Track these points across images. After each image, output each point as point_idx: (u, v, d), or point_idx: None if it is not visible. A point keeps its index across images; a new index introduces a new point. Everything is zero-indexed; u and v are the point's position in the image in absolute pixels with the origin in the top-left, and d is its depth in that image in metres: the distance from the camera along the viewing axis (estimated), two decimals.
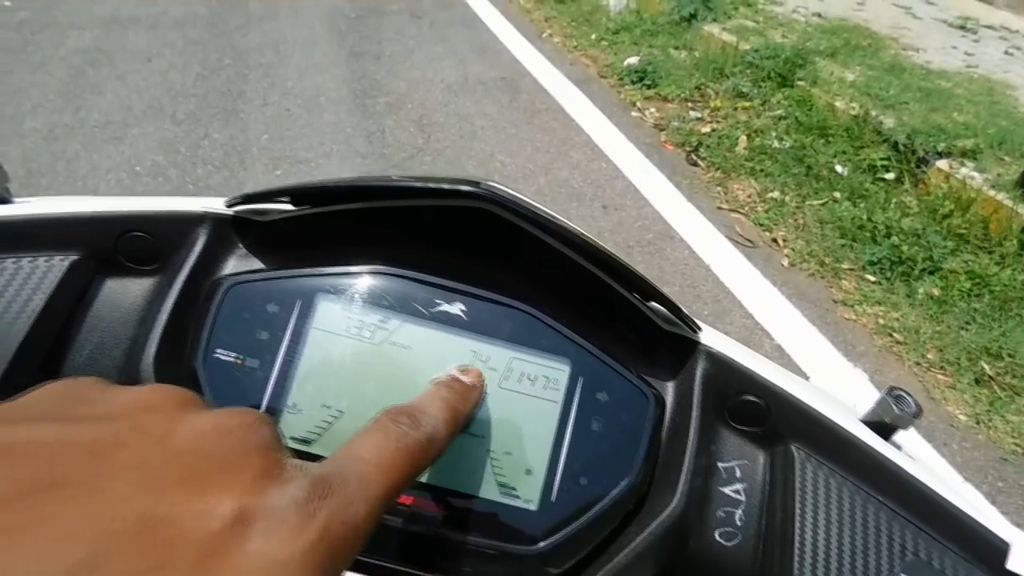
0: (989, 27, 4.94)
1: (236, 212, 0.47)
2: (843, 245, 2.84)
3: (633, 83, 4.16)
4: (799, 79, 3.88)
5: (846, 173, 3.22)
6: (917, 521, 0.42)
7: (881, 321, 2.50)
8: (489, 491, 0.41)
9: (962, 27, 4.90)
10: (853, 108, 3.51)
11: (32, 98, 3.55)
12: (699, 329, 0.46)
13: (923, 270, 2.67)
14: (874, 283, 2.67)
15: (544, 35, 4.94)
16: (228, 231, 0.47)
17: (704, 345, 0.46)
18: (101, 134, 3.28)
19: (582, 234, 0.40)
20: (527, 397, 0.42)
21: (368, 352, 0.42)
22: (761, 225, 3.00)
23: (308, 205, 0.45)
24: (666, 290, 0.43)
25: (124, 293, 0.46)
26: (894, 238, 2.79)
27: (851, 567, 0.40)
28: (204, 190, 2.86)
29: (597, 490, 0.41)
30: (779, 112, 3.71)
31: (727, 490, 0.44)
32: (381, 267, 0.44)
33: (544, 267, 0.44)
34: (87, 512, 0.17)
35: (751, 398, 0.45)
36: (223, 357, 0.42)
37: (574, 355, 0.43)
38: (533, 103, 3.93)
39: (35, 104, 3.50)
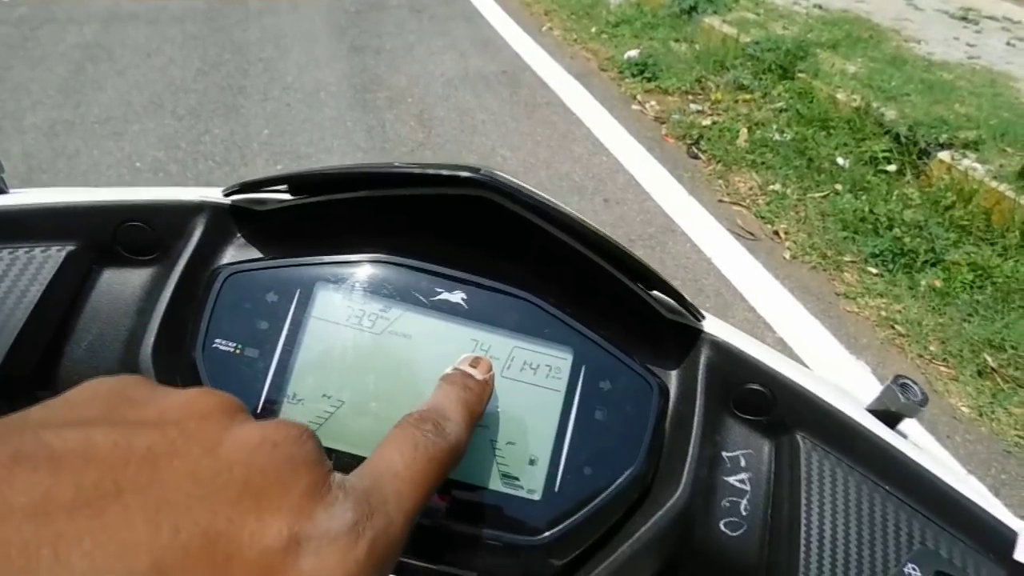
0: (991, 18, 4.91)
1: (234, 201, 0.46)
2: (845, 237, 2.83)
3: (633, 76, 4.15)
4: (800, 71, 3.86)
5: (848, 165, 3.21)
6: (924, 510, 0.41)
7: (883, 313, 2.49)
8: (492, 481, 0.41)
9: (964, 18, 4.88)
10: (855, 100, 3.49)
11: (32, 94, 3.54)
12: (703, 318, 0.45)
13: (925, 262, 2.66)
14: (876, 275, 2.66)
15: (544, 29, 4.93)
16: (226, 220, 0.46)
17: (708, 334, 0.45)
18: (101, 130, 3.28)
19: (584, 222, 0.40)
20: (530, 386, 0.42)
21: (368, 341, 0.42)
22: (763, 218, 2.99)
23: (306, 194, 0.44)
24: None
25: (122, 284, 0.45)
26: (896, 230, 2.78)
27: (858, 557, 0.40)
28: (205, 186, 2.82)
29: (601, 480, 0.41)
30: (780, 104, 3.70)
31: (732, 480, 0.44)
32: (381, 256, 0.43)
33: (546, 256, 0.43)
34: (150, 521, 0.18)
35: (756, 387, 0.44)
36: (222, 347, 0.41)
37: (577, 344, 0.43)
38: (534, 97, 3.92)
39: (35, 100, 3.49)
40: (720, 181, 3.23)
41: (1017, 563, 0.40)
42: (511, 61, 4.35)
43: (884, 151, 3.22)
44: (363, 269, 0.43)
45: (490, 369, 0.39)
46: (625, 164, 3.30)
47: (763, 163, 3.31)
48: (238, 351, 0.41)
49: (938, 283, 2.58)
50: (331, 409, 0.41)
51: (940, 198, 2.92)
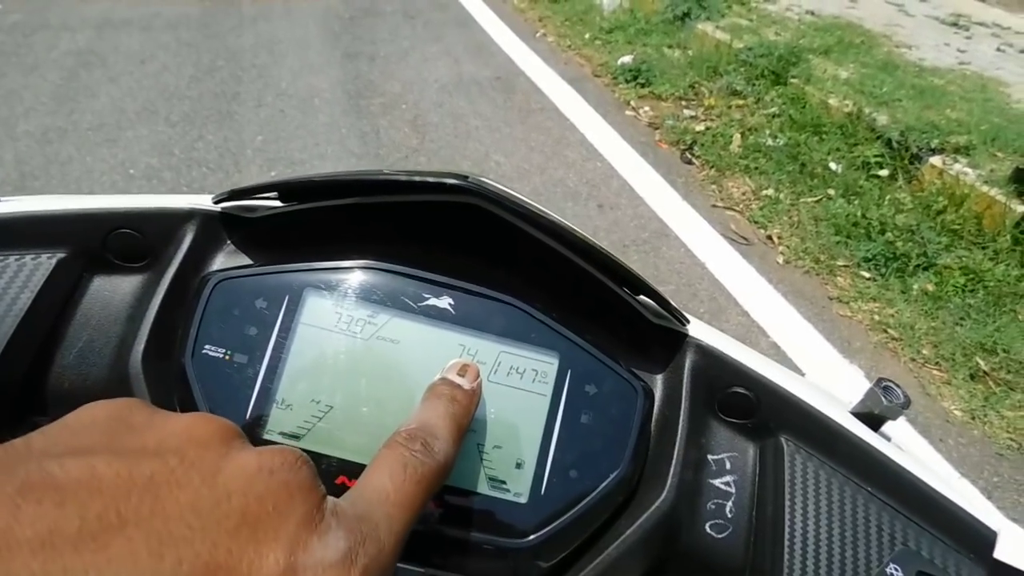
0: (981, 24, 4.95)
1: (224, 209, 0.47)
2: (838, 242, 2.85)
3: (627, 82, 4.16)
4: (793, 77, 3.89)
5: (840, 170, 3.23)
6: (906, 511, 0.42)
7: (876, 317, 2.50)
8: (480, 485, 0.41)
9: (955, 24, 4.91)
10: (847, 105, 3.51)
11: (25, 101, 3.54)
12: (687, 322, 0.46)
13: (917, 266, 2.67)
14: (869, 279, 2.68)
15: (538, 35, 4.94)
16: (216, 227, 0.47)
17: (693, 338, 0.46)
18: (95, 137, 3.27)
19: (571, 228, 0.40)
20: (516, 391, 0.42)
21: (357, 347, 0.42)
22: (756, 223, 3.00)
23: (296, 201, 0.44)
24: (662, 288, 0.43)
25: (113, 290, 0.45)
26: (888, 234, 2.79)
27: (841, 557, 0.40)
28: (199, 192, 2.83)
29: (587, 483, 0.42)
30: (773, 110, 3.72)
31: (717, 482, 0.44)
32: (369, 262, 0.44)
33: (533, 262, 0.44)
34: (153, 554, 0.18)
35: (740, 390, 0.45)
36: (212, 353, 0.42)
37: (563, 348, 0.43)
38: (528, 103, 3.93)
39: (28, 107, 3.49)
40: (714, 186, 3.25)
41: (997, 562, 0.41)
42: (505, 67, 4.36)
43: (876, 156, 3.24)
44: (352, 275, 0.43)
45: (478, 376, 0.39)
46: (619, 169, 3.32)
47: (756, 168, 3.33)
48: (227, 357, 0.42)
49: (930, 287, 2.60)
50: (320, 414, 0.41)
51: (932, 203, 2.94)
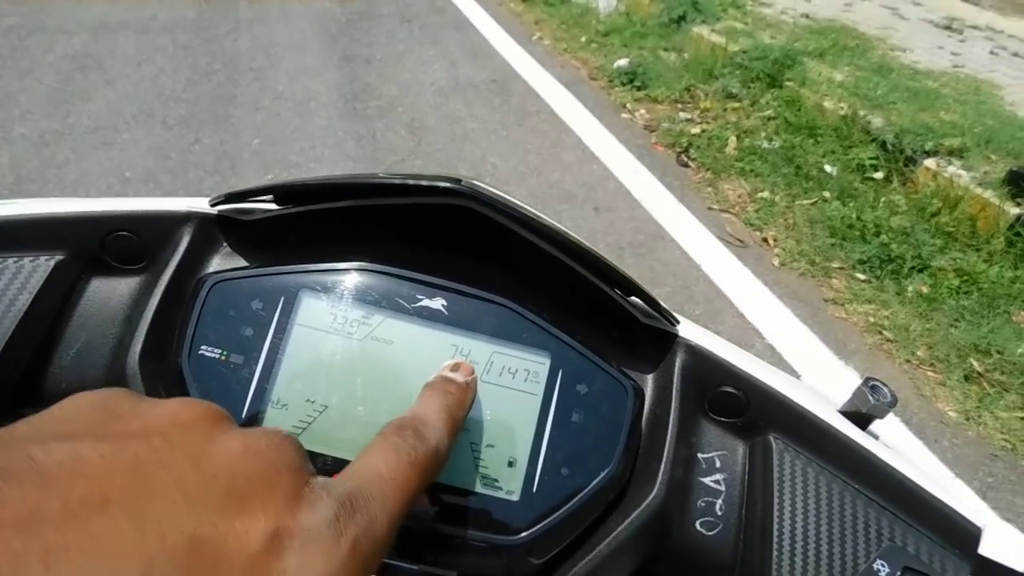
0: (975, 27, 4.98)
1: (220, 211, 0.47)
2: (833, 244, 2.86)
3: (623, 85, 4.18)
4: (788, 80, 3.90)
5: (835, 173, 3.24)
6: (893, 508, 0.42)
7: (871, 319, 2.52)
8: (472, 483, 0.42)
9: (948, 27, 4.94)
10: (842, 108, 3.53)
11: (21, 104, 3.54)
12: (677, 322, 0.46)
13: (912, 268, 2.69)
14: (864, 281, 2.69)
15: (534, 38, 4.96)
16: (213, 230, 0.47)
17: (683, 338, 0.46)
18: (91, 140, 3.27)
19: (563, 231, 0.41)
20: (508, 390, 0.43)
21: (351, 347, 0.42)
22: (752, 225, 3.01)
23: (291, 204, 0.45)
24: (658, 291, 0.44)
25: (110, 292, 0.46)
26: (883, 236, 2.81)
27: (828, 554, 0.41)
28: (195, 195, 2.82)
29: (578, 480, 0.42)
30: (768, 113, 3.73)
31: (707, 480, 0.45)
32: (364, 264, 0.44)
33: (526, 263, 0.44)
34: (137, 530, 0.18)
35: (730, 389, 0.45)
36: (208, 354, 0.42)
37: (554, 349, 0.44)
38: (524, 105, 3.94)
39: (24, 110, 3.49)
40: (709, 189, 3.26)
41: (982, 557, 0.41)
42: (501, 70, 4.37)
43: (871, 158, 3.25)
44: (346, 277, 0.44)
45: (472, 373, 0.40)
46: (615, 172, 3.33)
47: (752, 171, 3.34)
48: (223, 357, 0.42)
49: (925, 289, 2.61)
50: (315, 414, 0.42)
51: (926, 205, 2.95)
